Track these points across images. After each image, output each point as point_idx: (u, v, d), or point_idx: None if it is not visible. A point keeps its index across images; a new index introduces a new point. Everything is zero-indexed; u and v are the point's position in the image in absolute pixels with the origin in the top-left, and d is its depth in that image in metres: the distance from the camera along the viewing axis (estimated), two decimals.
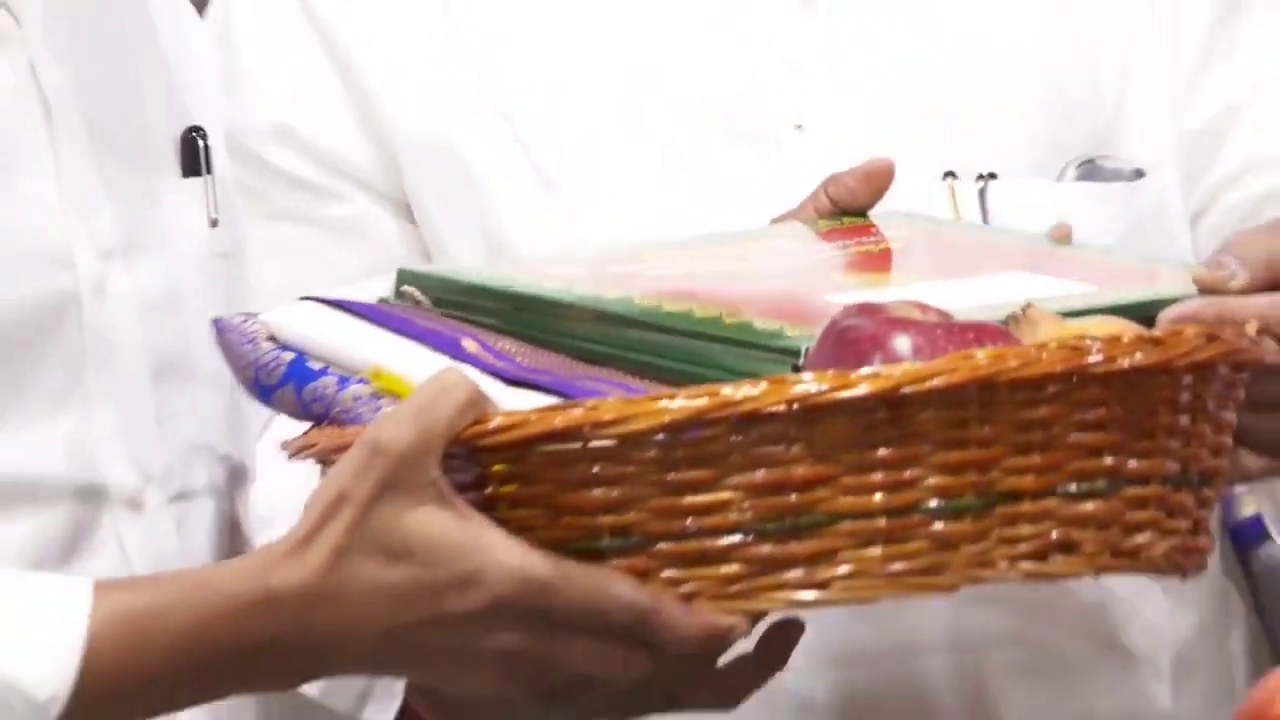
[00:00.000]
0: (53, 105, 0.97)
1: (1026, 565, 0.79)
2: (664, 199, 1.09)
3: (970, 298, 0.87)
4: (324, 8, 1.12)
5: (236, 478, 1.04)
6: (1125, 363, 0.78)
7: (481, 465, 0.81)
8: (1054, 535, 0.79)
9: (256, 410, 1.00)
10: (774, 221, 1.02)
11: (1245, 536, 1.18)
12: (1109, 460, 0.80)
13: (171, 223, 1.01)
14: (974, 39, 1.16)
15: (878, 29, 1.14)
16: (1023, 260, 0.97)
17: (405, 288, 0.95)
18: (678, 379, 0.83)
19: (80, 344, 0.95)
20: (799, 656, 0.92)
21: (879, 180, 1.02)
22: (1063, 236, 1.01)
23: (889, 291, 0.91)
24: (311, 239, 1.13)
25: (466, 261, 1.08)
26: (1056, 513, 0.79)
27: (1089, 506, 0.80)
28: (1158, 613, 1.13)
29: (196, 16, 1.12)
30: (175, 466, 0.98)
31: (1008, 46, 1.16)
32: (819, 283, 0.94)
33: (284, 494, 0.98)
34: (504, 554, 0.78)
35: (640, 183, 1.09)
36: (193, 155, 1.04)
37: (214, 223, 1.03)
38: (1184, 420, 0.81)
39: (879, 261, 1.00)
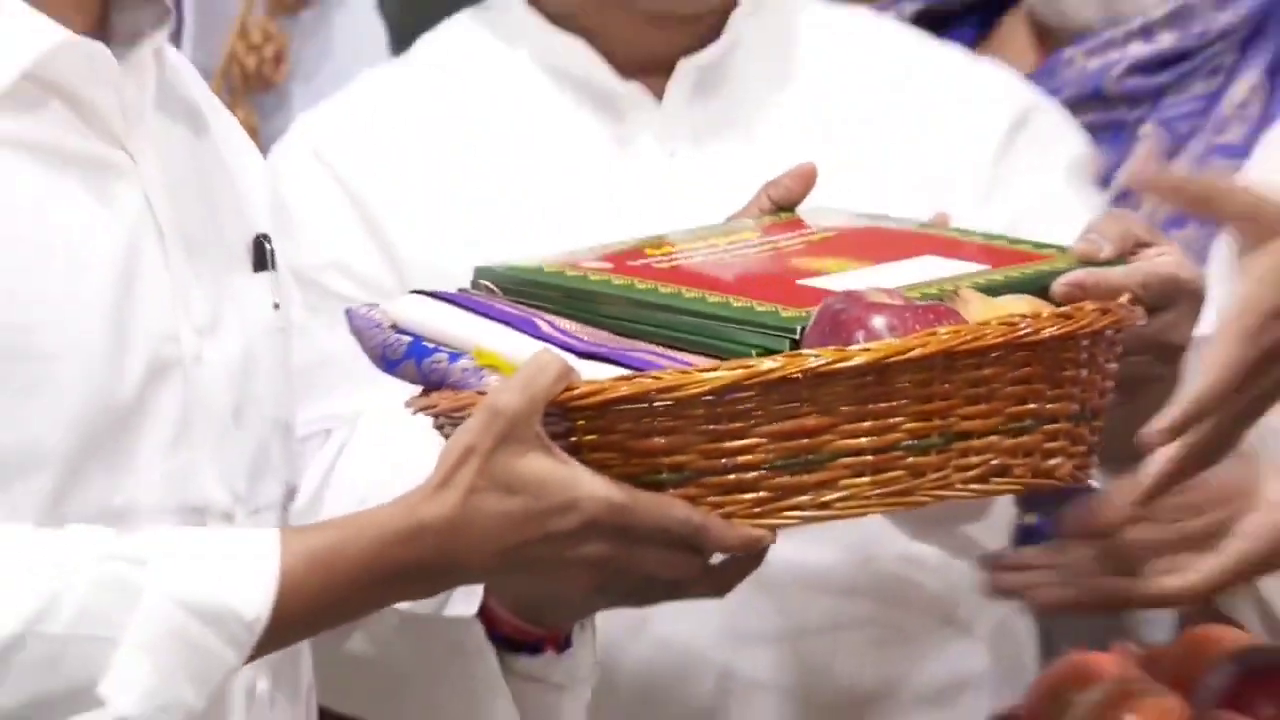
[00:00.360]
0: (162, 223, 1.19)
1: (975, 486, 1.06)
2: None
3: (902, 278, 1.14)
4: (351, 179, 1.48)
5: (289, 494, 1.30)
6: (1046, 333, 1.05)
7: (570, 421, 1.06)
8: (994, 463, 1.06)
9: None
10: (728, 220, 1.31)
11: (1031, 538, 1.49)
12: (1032, 405, 1.07)
13: (246, 307, 1.25)
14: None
15: (736, 174, 1.45)
16: (929, 246, 1.23)
17: (480, 280, 1.21)
18: (698, 350, 1.09)
19: (184, 398, 1.18)
20: (714, 634, 1.34)
21: (809, 179, 1.30)
22: (942, 222, 1.29)
23: (845, 276, 1.16)
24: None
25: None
26: (996, 446, 1.06)
27: (1019, 440, 1.07)
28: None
29: (243, 132, 1.38)
30: (252, 488, 1.23)
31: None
32: (786, 268, 1.20)
33: (367, 485, 1.29)
34: (591, 486, 1.04)
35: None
36: (260, 255, 1.29)
37: (275, 306, 1.28)
38: (1083, 372, 1.09)
39: (822, 248, 1.24)
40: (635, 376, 1.05)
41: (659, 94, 1.50)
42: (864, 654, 1.51)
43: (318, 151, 1.48)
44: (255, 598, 1.11)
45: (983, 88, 1.61)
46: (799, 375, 1.05)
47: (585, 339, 1.12)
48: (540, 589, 1.28)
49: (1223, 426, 1.22)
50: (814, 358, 1.04)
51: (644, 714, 1.52)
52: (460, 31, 1.60)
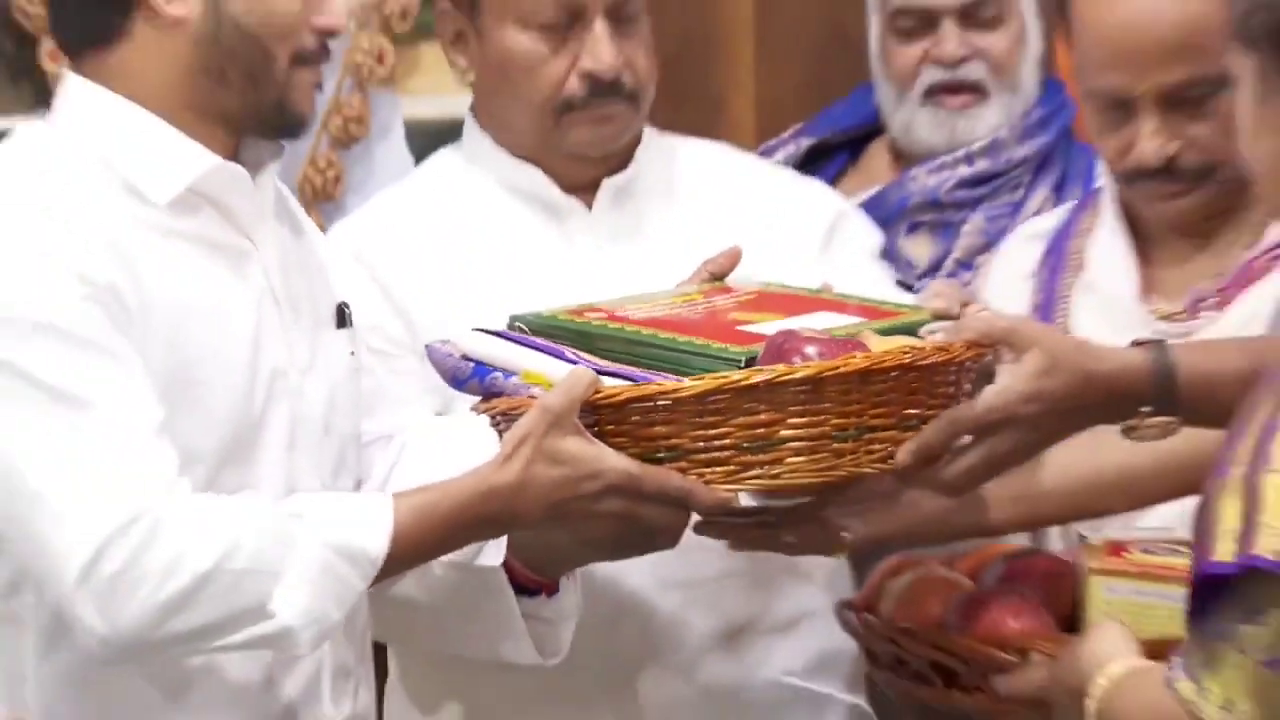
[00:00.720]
0: (277, 293, 1.56)
1: (878, 465, 1.44)
2: None
3: (815, 325, 1.51)
4: (380, 273, 1.85)
5: (357, 486, 1.65)
6: (929, 361, 1.42)
7: (596, 415, 1.43)
8: (889, 449, 1.43)
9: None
10: (677, 286, 1.68)
11: None
12: (916, 410, 1.43)
13: (331, 353, 1.61)
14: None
15: (641, 260, 1.86)
16: (823, 306, 1.60)
17: (515, 323, 1.61)
18: (673, 371, 1.46)
19: (291, 417, 1.55)
20: (642, 583, 1.71)
21: (736, 257, 1.70)
22: (828, 289, 1.67)
23: (771, 324, 1.52)
24: (395, 376, 1.82)
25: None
26: (894, 437, 1.43)
27: (908, 432, 1.44)
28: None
29: (319, 232, 1.78)
30: (334, 480, 1.59)
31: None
32: (726, 319, 1.58)
33: (422, 474, 1.58)
34: (612, 460, 1.42)
35: None
36: (341, 317, 1.65)
37: (352, 354, 1.65)
38: (952, 388, 1.46)
39: (749, 306, 1.62)
40: (641, 385, 1.45)
41: (589, 205, 1.89)
42: (739, 595, 1.87)
43: (358, 254, 1.87)
44: (378, 541, 1.45)
45: (808, 199, 2.03)
46: (760, 384, 1.42)
47: (599, 363, 1.52)
48: (553, 544, 1.61)
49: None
50: (769, 372, 1.41)
51: (597, 639, 1.82)
52: (447, 161, 2.00)
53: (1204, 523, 1.41)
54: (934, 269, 2.30)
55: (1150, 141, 1.81)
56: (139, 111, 1.54)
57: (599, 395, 1.45)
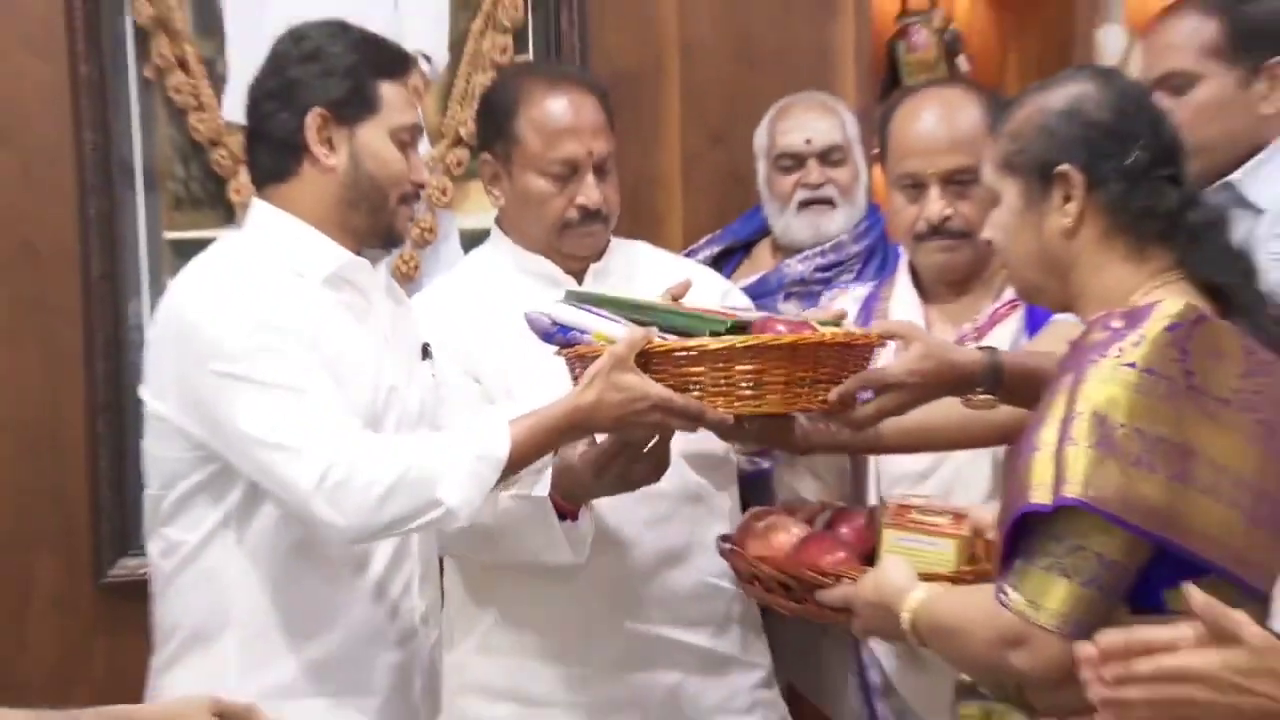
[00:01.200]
0: (388, 337, 1.96)
1: (820, 403, 1.82)
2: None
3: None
4: (444, 330, 2.17)
5: None
6: (855, 341, 1.83)
7: (646, 359, 1.79)
8: (816, 395, 1.80)
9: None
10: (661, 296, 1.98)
11: (754, 478, 2.38)
12: (844, 372, 1.81)
13: (419, 375, 2.02)
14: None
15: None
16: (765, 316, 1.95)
17: (569, 297, 1.93)
18: (680, 333, 1.81)
19: (398, 412, 1.95)
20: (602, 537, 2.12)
21: (688, 285, 2.02)
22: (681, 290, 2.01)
23: (740, 312, 1.90)
24: (455, 391, 2.17)
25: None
26: (827, 387, 1.82)
27: (826, 386, 1.82)
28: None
29: (409, 301, 2.16)
30: None
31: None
32: (705, 306, 1.94)
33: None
34: (656, 389, 1.79)
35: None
36: (425, 353, 2.06)
37: (433, 375, 2.05)
38: (864, 361, 1.84)
39: (712, 309, 1.94)
40: (680, 340, 1.81)
41: (580, 281, 2.28)
42: (664, 558, 2.26)
43: (428, 318, 2.20)
44: (503, 449, 1.85)
45: (710, 283, 2.40)
46: (755, 346, 1.77)
47: (644, 327, 1.86)
48: (582, 483, 1.98)
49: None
50: (761, 339, 1.79)
51: (596, 557, 2.17)
52: (483, 253, 2.41)
53: (1019, 481, 1.60)
54: None
55: (935, 204, 2.20)
56: (303, 225, 1.95)
57: (651, 345, 1.84)
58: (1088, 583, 1.58)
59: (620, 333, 1.87)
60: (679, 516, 2.27)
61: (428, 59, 2.94)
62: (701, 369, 1.83)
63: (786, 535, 2.03)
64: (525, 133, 2.24)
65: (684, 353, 1.81)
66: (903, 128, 2.25)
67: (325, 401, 1.84)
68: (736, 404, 1.83)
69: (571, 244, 2.27)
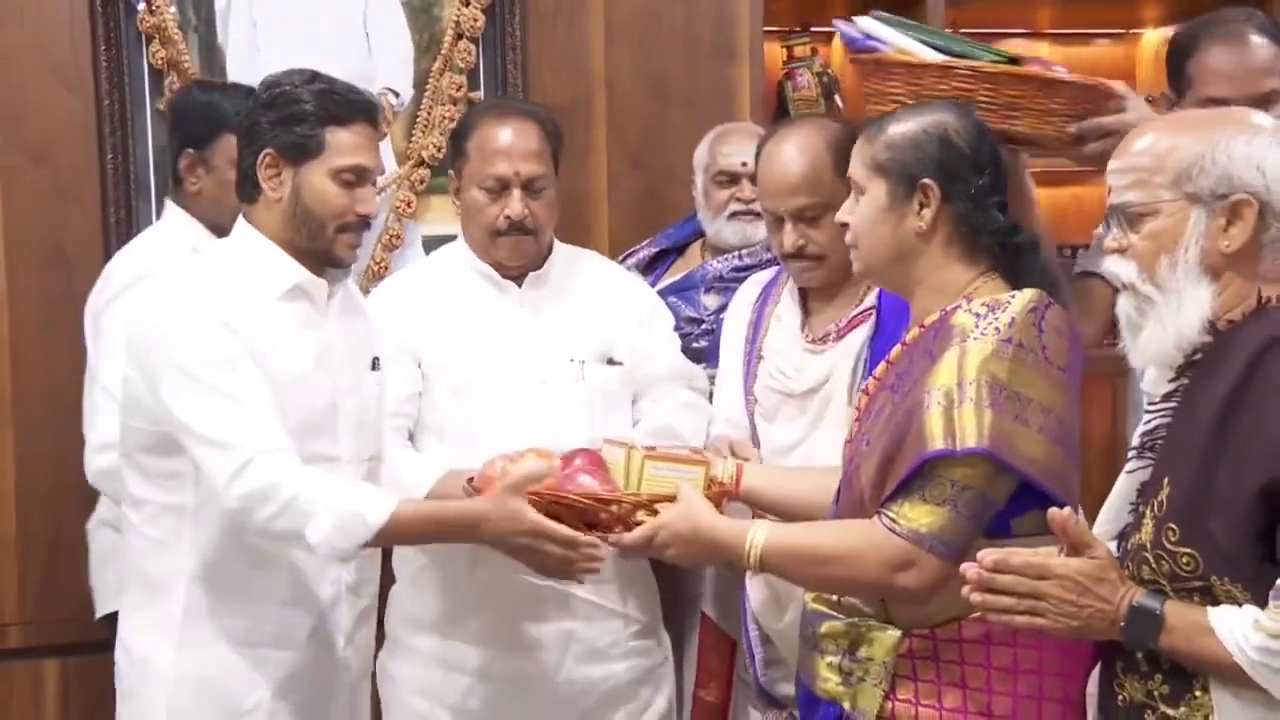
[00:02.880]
0: (337, 347, 2.17)
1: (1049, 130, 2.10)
2: (495, 408, 2.42)
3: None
4: (396, 322, 2.39)
5: (376, 456, 2.25)
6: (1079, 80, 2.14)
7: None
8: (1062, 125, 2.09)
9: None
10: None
11: None
12: (1067, 106, 2.07)
13: (366, 383, 2.22)
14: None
15: (550, 320, 2.48)
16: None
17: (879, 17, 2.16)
18: (960, 54, 2.08)
19: (352, 413, 2.18)
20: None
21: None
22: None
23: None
24: (408, 376, 2.43)
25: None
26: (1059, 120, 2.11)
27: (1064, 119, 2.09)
28: None
29: (368, 309, 2.34)
30: (366, 449, 2.22)
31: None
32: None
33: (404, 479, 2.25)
34: (534, 519, 2.04)
35: (491, 407, 2.43)
36: (375, 364, 2.27)
37: (378, 384, 2.26)
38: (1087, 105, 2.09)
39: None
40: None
41: (520, 284, 2.48)
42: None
43: (380, 310, 2.43)
44: (380, 518, 2.02)
45: (635, 294, 2.62)
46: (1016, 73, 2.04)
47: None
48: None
49: None
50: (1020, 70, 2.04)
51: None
52: (440, 255, 2.59)
53: (915, 433, 1.76)
54: (719, 310, 2.84)
55: (789, 237, 2.34)
56: (269, 243, 2.13)
57: (547, 492, 2.10)
58: (970, 515, 1.78)
59: (923, 51, 2.07)
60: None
61: (395, 94, 3.21)
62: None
63: (549, 471, 2.21)
64: (471, 153, 2.46)
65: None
66: (762, 168, 2.40)
67: (259, 414, 2.02)
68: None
69: (502, 251, 2.46)
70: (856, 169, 1.95)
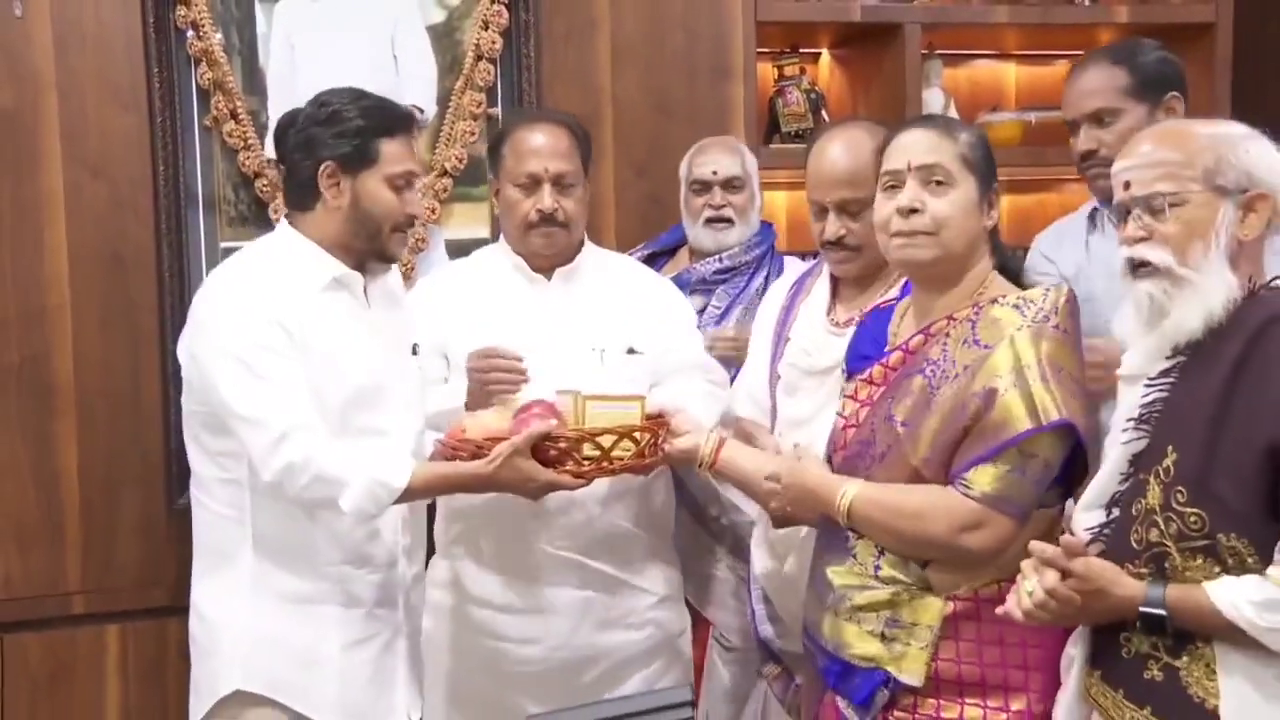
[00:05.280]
0: (380, 335, 2.26)
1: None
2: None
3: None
4: (435, 314, 2.53)
5: (423, 425, 2.39)
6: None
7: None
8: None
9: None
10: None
11: None
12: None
13: (409, 365, 2.34)
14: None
15: (580, 312, 2.59)
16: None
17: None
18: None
19: (400, 390, 2.31)
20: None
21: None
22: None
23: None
24: (436, 366, 2.56)
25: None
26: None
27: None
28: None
29: (408, 301, 2.41)
30: (417, 421, 2.37)
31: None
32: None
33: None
34: (545, 475, 2.23)
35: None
36: (414, 350, 2.38)
37: (419, 369, 2.39)
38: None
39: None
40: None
41: (549, 278, 2.60)
42: (596, 500, 2.57)
43: (422, 302, 2.56)
44: (399, 477, 2.15)
45: (659, 291, 2.72)
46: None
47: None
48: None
49: None
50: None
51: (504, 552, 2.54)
52: (481, 252, 2.69)
53: (994, 419, 1.80)
54: (700, 312, 2.98)
55: (831, 226, 2.37)
56: (310, 243, 2.21)
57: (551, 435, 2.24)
58: (1035, 481, 1.88)
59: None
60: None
61: (421, 111, 3.32)
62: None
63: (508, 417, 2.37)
64: (507, 155, 2.60)
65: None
66: (812, 162, 2.44)
67: (292, 396, 2.12)
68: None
69: (535, 242, 2.58)
70: (945, 161, 2.00)
